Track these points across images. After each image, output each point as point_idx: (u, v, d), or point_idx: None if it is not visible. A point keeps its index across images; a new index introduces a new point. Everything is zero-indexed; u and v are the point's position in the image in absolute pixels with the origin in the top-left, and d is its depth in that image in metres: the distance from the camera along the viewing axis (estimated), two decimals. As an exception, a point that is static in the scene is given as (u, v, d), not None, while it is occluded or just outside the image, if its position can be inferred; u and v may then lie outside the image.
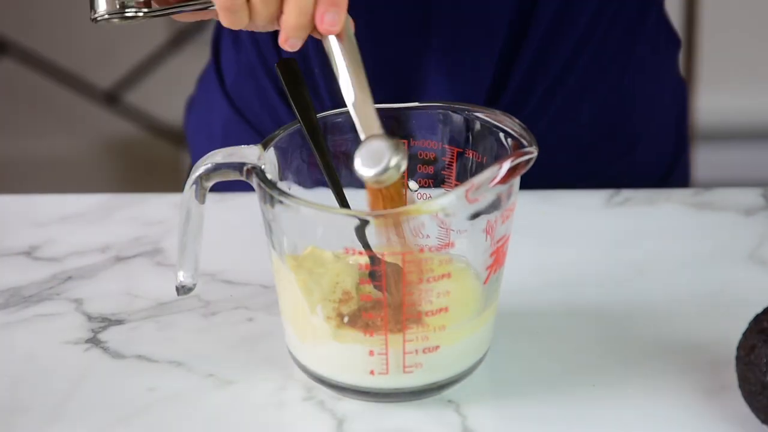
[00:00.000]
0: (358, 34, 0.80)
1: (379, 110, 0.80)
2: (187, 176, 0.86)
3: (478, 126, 0.86)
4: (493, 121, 0.85)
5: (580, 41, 1.09)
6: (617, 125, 1.14)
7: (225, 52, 1.18)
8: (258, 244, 0.94)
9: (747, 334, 0.80)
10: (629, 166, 1.15)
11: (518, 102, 1.09)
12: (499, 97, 1.09)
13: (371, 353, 0.81)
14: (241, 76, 1.15)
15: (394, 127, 0.86)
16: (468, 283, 0.84)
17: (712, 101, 2.47)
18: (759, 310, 0.82)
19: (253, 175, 0.82)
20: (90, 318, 0.94)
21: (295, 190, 0.87)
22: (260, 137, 1.14)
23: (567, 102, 1.10)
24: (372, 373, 0.82)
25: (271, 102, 1.14)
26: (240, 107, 1.16)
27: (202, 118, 1.22)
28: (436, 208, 0.78)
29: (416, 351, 0.81)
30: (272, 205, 0.81)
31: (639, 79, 1.14)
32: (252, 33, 1.12)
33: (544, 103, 1.09)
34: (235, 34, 1.15)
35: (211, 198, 1.10)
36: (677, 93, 1.22)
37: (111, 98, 2.47)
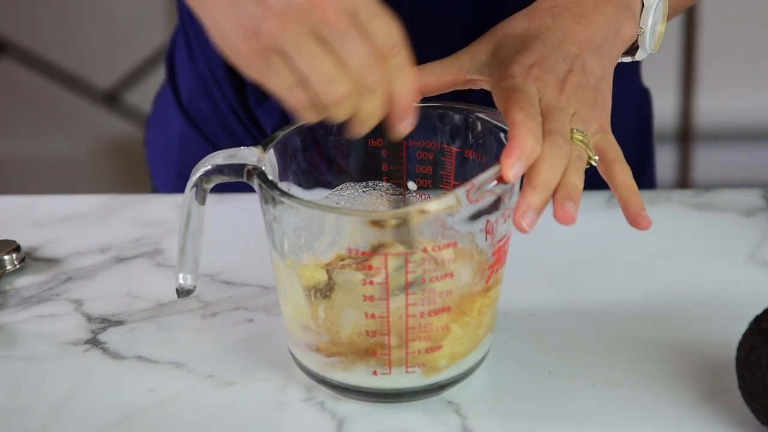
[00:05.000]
0: None
1: None
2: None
3: (477, 126, 0.86)
4: (492, 121, 0.85)
5: None
6: None
7: (180, 66, 1.17)
8: (258, 245, 0.94)
9: (747, 335, 0.80)
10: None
11: None
12: None
13: (374, 354, 0.81)
14: (196, 90, 1.15)
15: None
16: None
17: (712, 101, 2.47)
18: (759, 310, 0.82)
19: (254, 176, 0.82)
20: (90, 319, 0.94)
21: (295, 190, 0.87)
22: (215, 150, 1.14)
23: None
24: (375, 373, 0.82)
25: (224, 115, 1.13)
26: (196, 121, 1.15)
27: (159, 136, 1.21)
28: (438, 208, 0.78)
29: (418, 351, 0.81)
30: (274, 206, 0.81)
31: None
32: (202, 46, 1.12)
33: None
34: (189, 46, 1.14)
35: (212, 199, 1.09)
36: (642, 103, 1.20)
37: (111, 98, 2.47)
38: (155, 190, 1.22)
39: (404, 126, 0.79)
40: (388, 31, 0.75)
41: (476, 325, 0.83)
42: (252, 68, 0.76)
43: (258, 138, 1.12)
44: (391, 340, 0.81)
